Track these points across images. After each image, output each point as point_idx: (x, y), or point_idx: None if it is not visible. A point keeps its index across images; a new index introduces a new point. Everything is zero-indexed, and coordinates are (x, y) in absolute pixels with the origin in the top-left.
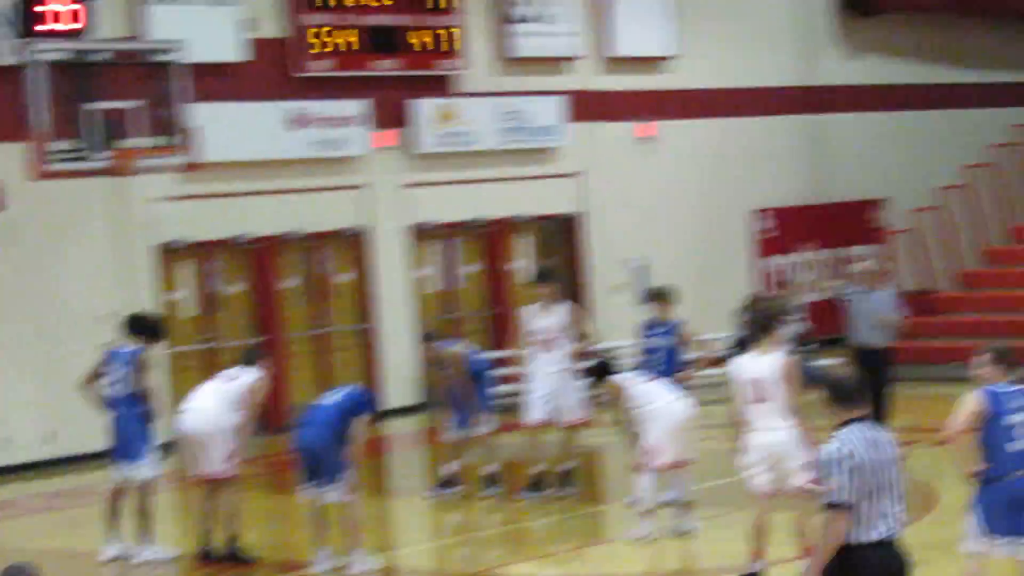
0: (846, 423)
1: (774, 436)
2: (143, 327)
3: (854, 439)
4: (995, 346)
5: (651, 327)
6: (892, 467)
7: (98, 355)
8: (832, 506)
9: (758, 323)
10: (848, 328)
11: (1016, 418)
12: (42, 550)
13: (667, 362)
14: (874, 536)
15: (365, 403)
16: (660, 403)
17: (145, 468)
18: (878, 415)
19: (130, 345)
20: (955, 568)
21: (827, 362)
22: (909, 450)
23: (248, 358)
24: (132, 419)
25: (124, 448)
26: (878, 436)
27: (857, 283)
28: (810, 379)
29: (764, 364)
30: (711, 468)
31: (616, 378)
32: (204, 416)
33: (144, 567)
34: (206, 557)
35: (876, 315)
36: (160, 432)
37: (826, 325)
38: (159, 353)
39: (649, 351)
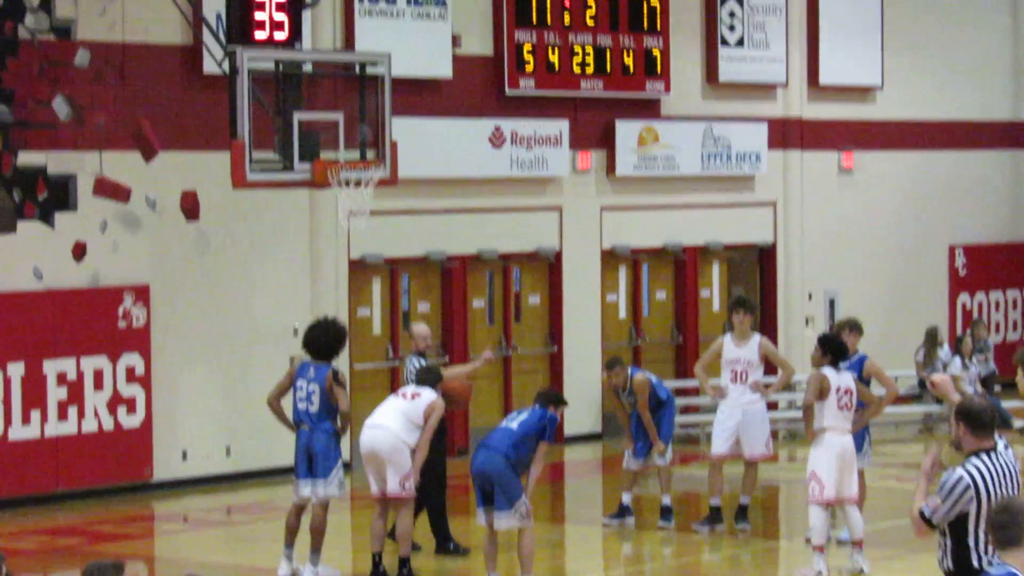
0: (977, 452)
1: None
2: (323, 343)
3: (983, 470)
4: None
5: None
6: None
7: (287, 369)
8: (923, 517)
9: None
10: None
11: None
12: (216, 564)
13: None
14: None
15: (545, 428)
16: (832, 432)
17: (330, 487)
18: None
19: (320, 362)
20: None
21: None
22: None
23: (426, 377)
24: (321, 436)
25: (311, 465)
26: (1007, 466)
27: None
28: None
29: None
30: (888, 507)
31: (829, 371)
32: (386, 435)
33: None
34: None
35: None
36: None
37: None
38: (343, 369)
39: None
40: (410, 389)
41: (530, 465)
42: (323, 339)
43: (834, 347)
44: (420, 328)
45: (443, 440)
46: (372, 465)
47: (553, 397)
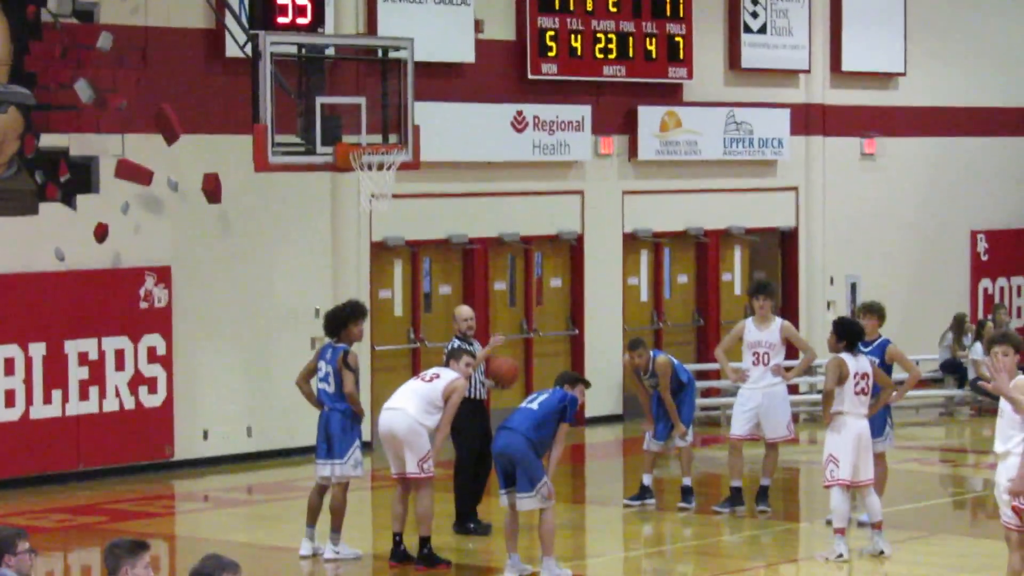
0: None
1: None
2: (332, 320)
3: None
4: None
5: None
6: None
7: (312, 350)
8: None
9: None
10: None
11: None
12: (237, 543)
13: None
14: None
15: (566, 409)
16: (848, 416)
17: (346, 467)
18: None
19: (340, 343)
20: None
21: None
22: None
23: (449, 359)
24: (337, 417)
25: (329, 445)
26: None
27: None
28: None
29: None
30: (910, 489)
31: (847, 356)
32: (403, 416)
33: (332, 564)
34: (397, 557)
35: None
36: (362, 430)
37: None
38: (359, 351)
39: None
40: (430, 371)
41: (551, 446)
42: (332, 317)
43: (849, 331)
44: (462, 310)
45: (482, 420)
46: (390, 447)
47: (573, 378)
